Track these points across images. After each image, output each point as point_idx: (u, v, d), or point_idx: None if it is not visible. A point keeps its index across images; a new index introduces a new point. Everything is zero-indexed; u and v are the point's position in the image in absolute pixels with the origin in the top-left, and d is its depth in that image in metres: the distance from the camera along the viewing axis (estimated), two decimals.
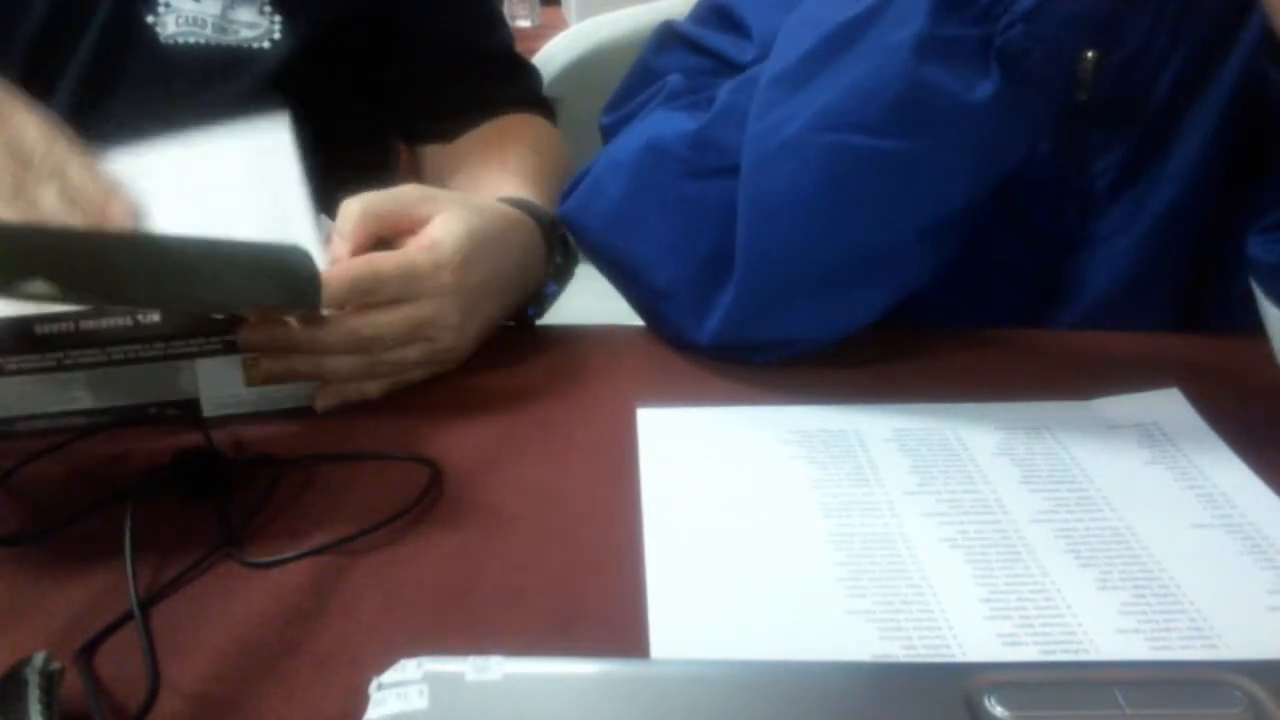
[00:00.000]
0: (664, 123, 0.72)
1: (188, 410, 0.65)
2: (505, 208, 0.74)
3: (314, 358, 0.66)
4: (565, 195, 0.78)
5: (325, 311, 0.63)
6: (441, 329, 0.67)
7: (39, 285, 0.54)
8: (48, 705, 0.42)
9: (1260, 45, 0.64)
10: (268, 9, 0.87)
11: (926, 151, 0.63)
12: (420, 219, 0.68)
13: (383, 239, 0.68)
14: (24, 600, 0.52)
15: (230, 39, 0.86)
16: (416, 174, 1.04)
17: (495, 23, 1.06)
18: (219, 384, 0.64)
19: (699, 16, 0.81)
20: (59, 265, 0.54)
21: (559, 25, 2.01)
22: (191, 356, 0.63)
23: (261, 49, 0.87)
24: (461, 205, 0.69)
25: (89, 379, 0.63)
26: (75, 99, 0.86)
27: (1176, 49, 0.72)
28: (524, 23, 2.16)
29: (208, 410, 0.65)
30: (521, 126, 1.00)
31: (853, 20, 0.63)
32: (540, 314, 0.79)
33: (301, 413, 0.67)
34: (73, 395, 0.63)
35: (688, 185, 0.70)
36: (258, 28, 0.86)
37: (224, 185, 0.68)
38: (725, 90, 0.71)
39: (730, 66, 0.76)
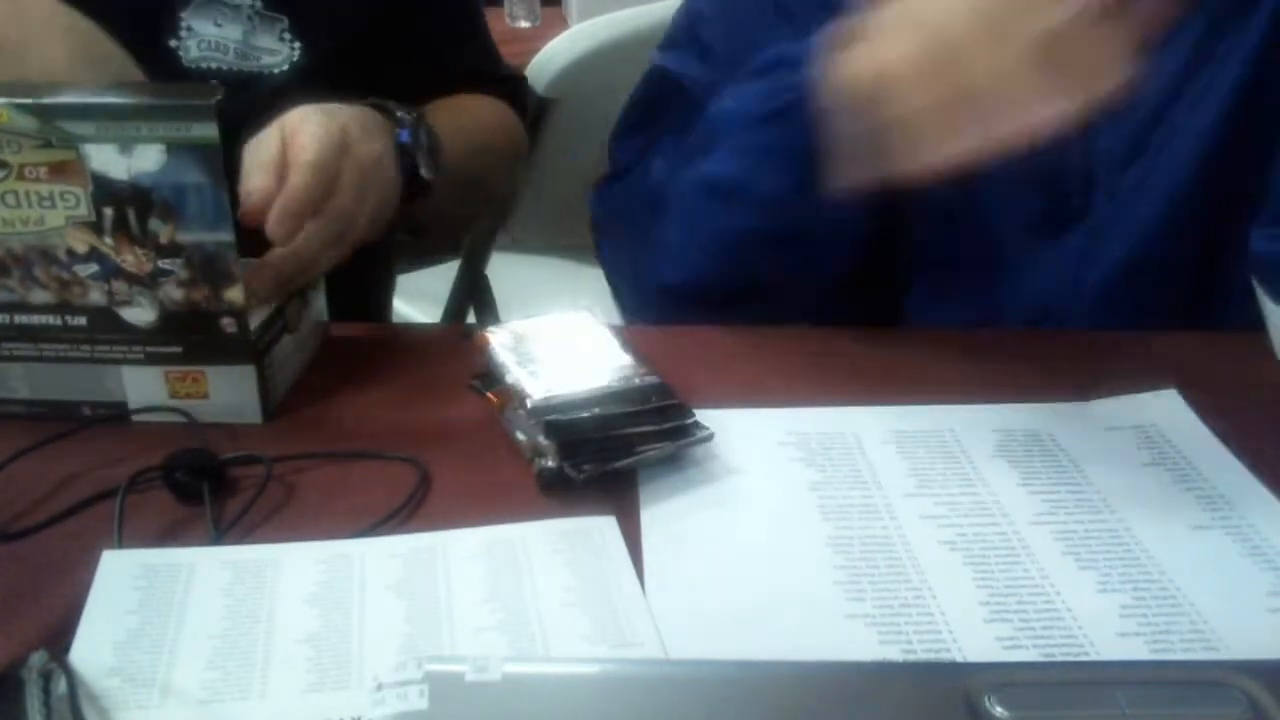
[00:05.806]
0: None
1: (118, 413, 0.66)
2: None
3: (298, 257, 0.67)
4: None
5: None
6: (384, 170, 0.72)
7: None
8: (46, 705, 0.42)
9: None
10: (287, 35, 0.89)
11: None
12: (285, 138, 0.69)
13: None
14: (14, 597, 0.52)
15: (251, 65, 0.88)
16: None
17: (487, 46, 1.08)
18: (143, 391, 0.66)
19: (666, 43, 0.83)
20: None
21: (559, 25, 2.00)
22: (115, 363, 0.65)
23: (282, 73, 0.88)
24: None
25: (25, 372, 0.65)
26: None
27: (1180, 34, 0.71)
28: (524, 23, 2.14)
29: (135, 416, 0.66)
30: (465, 97, 0.99)
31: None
32: (414, 164, 0.78)
33: (292, 411, 0.67)
34: (11, 385, 0.66)
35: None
36: (278, 54, 0.88)
37: None
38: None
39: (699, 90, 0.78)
